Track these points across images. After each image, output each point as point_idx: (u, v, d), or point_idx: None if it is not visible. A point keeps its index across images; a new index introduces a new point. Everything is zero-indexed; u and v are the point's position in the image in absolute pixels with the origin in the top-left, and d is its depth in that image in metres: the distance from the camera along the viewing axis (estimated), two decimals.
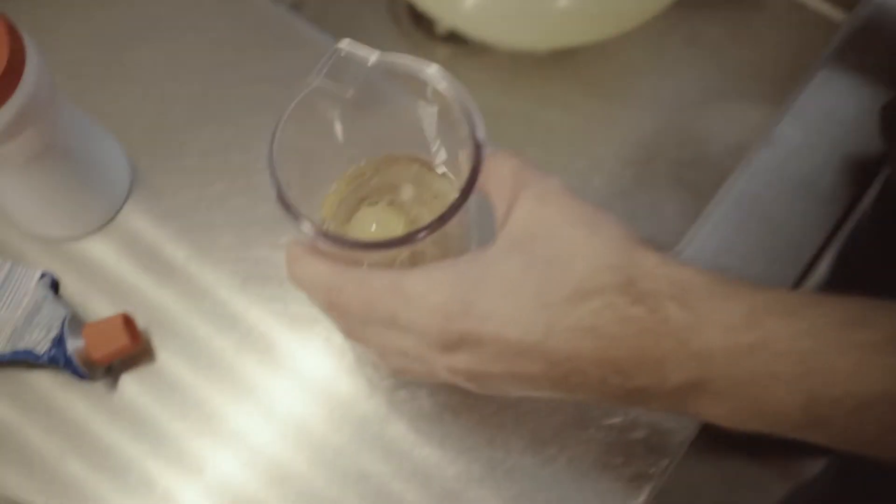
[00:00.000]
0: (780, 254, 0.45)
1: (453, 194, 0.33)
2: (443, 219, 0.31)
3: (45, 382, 0.43)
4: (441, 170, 0.40)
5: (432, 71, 0.33)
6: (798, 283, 0.45)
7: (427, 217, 0.38)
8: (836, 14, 0.60)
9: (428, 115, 0.36)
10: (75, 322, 0.42)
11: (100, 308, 0.45)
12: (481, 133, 0.32)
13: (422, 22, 0.63)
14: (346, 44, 0.34)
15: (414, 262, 0.35)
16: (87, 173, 0.45)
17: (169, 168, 0.48)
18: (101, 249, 0.46)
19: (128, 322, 0.42)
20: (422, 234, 0.31)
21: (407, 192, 0.41)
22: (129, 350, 0.42)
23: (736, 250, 0.45)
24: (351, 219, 0.41)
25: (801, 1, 0.61)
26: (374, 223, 0.40)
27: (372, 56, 0.34)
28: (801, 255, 0.45)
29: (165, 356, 0.43)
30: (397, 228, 0.39)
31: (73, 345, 0.41)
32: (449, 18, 0.55)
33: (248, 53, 0.52)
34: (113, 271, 0.46)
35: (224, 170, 0.48)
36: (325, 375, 0.43)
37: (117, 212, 0.47)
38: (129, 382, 0.43)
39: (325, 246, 0.33)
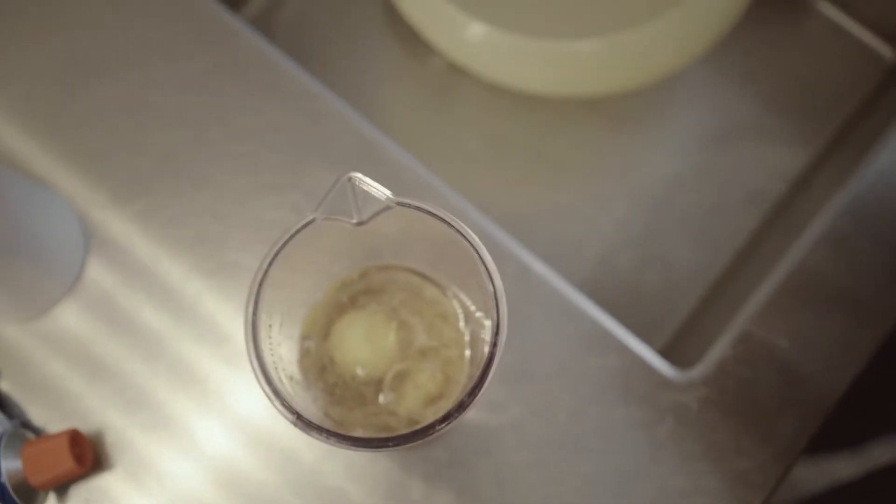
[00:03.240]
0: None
1: (446, 302, 0.34)
2: (462, 406, 0.27)
3: None
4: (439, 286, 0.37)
5: (479, 244, 0.28)
6: None
7: (420, 326, 0.36)
8: (883, 49, 0.54)
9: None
10: (15, 439, 0.36)
11: (45, 415, 0.39)
12: (503, 335, 0.27)
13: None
14: (355, 178, 0.28)
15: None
16: (27, 250, 0.38)
17: (131, 231, 0.42)
18: (47, 336, 0.40)
19: (76, 441, 0.36)
20: (442, 426, 0.27)
21: (397, 298, 0.37)
22: (76, 474, 0.36)
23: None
24: (336, 322, 0.36)
25: (844, 29, 0.55)
26: (361, 329, 0.36)
27: (384, 194, 0.28)
28: None
29: (122, 472, 0.38)
30: (387, 334, 0.36)
31: (9, 467, 0.35)
32: (452, 54, 0.48)
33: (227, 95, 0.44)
34: (64, 365, 0.40)
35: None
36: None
37: (67, 291, 0.40)
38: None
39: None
